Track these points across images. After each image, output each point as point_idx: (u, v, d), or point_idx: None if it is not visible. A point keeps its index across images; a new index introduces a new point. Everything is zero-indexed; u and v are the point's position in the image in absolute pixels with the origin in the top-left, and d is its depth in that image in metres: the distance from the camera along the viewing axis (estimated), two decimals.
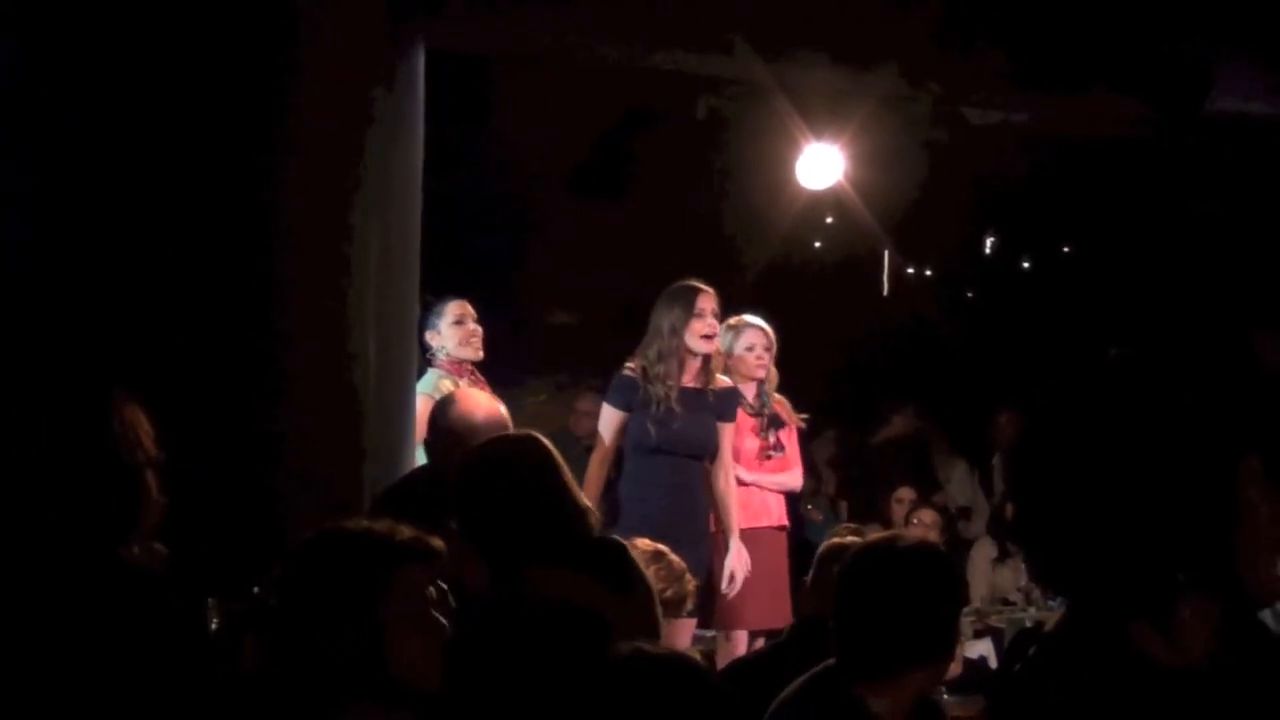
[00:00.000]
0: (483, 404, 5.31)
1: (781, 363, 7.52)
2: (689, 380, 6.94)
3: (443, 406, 5.18)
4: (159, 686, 3.18)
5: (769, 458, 7.32)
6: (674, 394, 6.83)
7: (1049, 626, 2.17)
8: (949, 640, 3.73)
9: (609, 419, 6.94)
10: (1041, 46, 7.21)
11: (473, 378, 7.13)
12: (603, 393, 7.19)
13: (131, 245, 5.81)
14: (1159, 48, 7.25)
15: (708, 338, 6.93)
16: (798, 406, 7.65)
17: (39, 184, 5.84)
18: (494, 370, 7.40)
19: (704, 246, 10.37)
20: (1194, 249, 10.10)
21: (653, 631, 4.15)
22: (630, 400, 6.87)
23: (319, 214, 6.09)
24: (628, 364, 6.99)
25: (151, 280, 5.80)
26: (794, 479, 7.55)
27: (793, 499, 7.82)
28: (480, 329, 7.19)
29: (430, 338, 7.11)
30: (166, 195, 5.85)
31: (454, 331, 7.10)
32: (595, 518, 4.46)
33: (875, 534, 4.39)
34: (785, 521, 7.45)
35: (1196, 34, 7.36)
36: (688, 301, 6.93)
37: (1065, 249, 12.64)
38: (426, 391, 6.75)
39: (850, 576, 3.64)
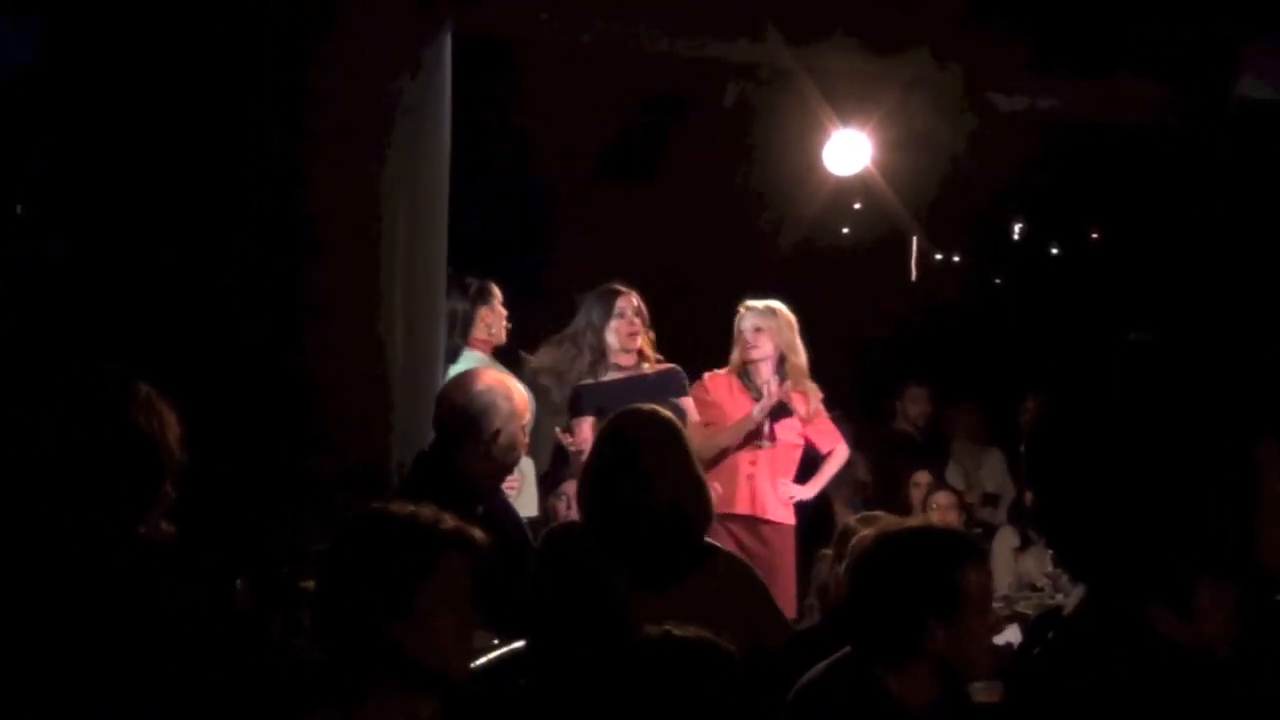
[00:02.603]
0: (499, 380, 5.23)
1: (807, 345, 7.47)
2: (624, 367, 6.98)
3: (464, 387, 5.09)
4: (179, 654, 3.23)
5: (758, 447, 7.26)
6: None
7: (1068, 610, 2.17)
8: None
9: (589, 430, 6.81)
10: (1066, 31, 7.18)
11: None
12: None
13: (159, 230, 5.84)
14: (1184, 32, 7.21)
15: (631, 335, 6.98)
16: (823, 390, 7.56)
17: (68, 169, 5.87)
18: (517, 351, 7.42)
19: (731, 231, 10.39)
20: (1219, 235, 10.04)
21: None
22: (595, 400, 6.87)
23: (347, 198, 6.12)
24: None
25: (180, 265, 5.83)
26: (837, 459, 7.49)
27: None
28: (504, 312, 7.24)
29: (485, 315, 7.17)
30: (194, 180, 5.88)
31: (497, 315, 7.18)
32: None
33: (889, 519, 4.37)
34: (791, 519, 7.36)
35: (1222, 17, 7.31)
36: (608, 303, 7.02)
37: (1094, 235, 12.61)
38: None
39: (861, 563, 3.64)
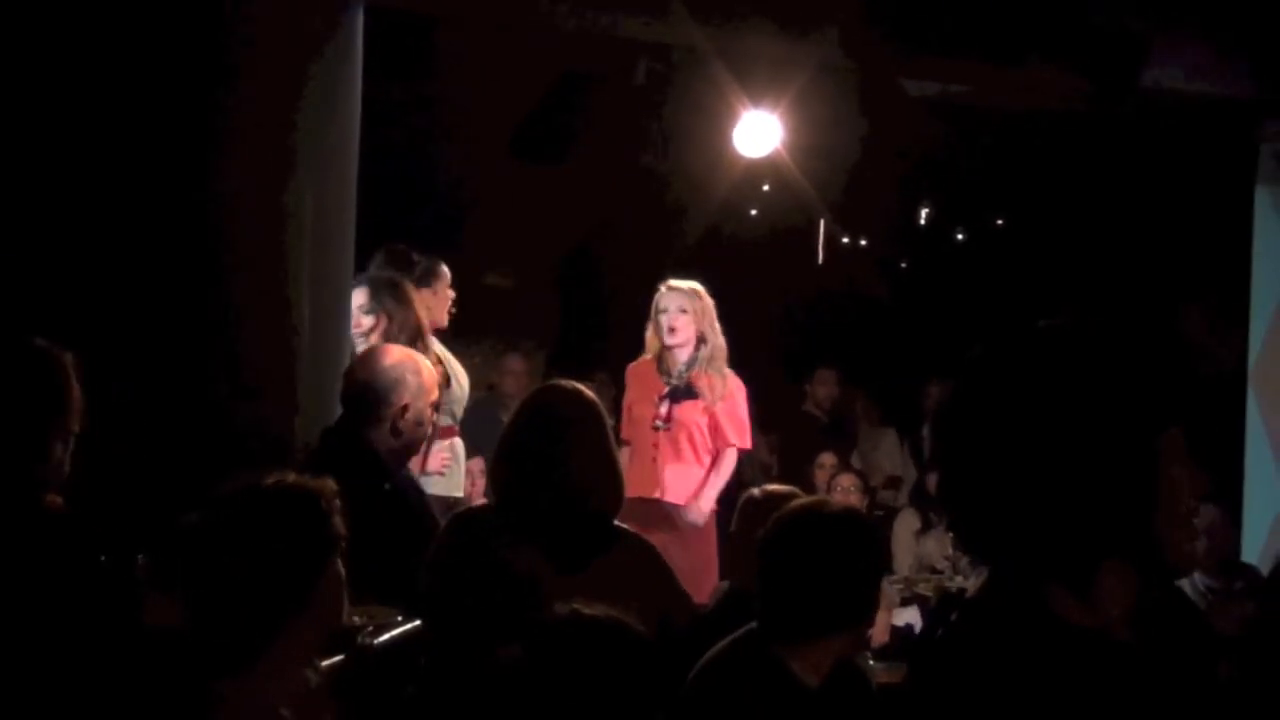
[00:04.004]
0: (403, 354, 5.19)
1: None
2: None
3: (372, 362, 5.04)
4: (74, 627, 3.21)
5: (655, 429, 7.21)
6: None
7: (970, 592, 2.19)
8: (870, 606, 3.76)
9: None
10: (978, 18, 7.22)
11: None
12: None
13: (72, 211, 5.78)
14: (1094, 21, 7.27)
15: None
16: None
17: None
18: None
19: (641, 211, 10.39)
20: (1125, 223, 10.17)
21: None
22: None
23: (258, 173, 6.05)
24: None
25: (91, 245, 5.77)
26: (726, 466, 7.31)
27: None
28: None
29: (425, 296, 7.00)
30: (106, 161, 5.81)
31: (447, 300, 7.10)
32: None
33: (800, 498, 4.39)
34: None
35: (1131, 9, 7.38)
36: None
37: (998, 221, 12.71)
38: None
39: (775, 541, 3.65)
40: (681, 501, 7.17)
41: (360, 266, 6.95)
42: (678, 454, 7.22)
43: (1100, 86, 7.45)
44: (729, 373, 7.34)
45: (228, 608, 2.95)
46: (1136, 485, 2.04)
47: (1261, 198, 8.71)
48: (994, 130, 9.52)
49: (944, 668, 2.13)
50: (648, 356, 7.33)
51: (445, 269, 7.11)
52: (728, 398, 7.30)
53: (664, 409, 7.19)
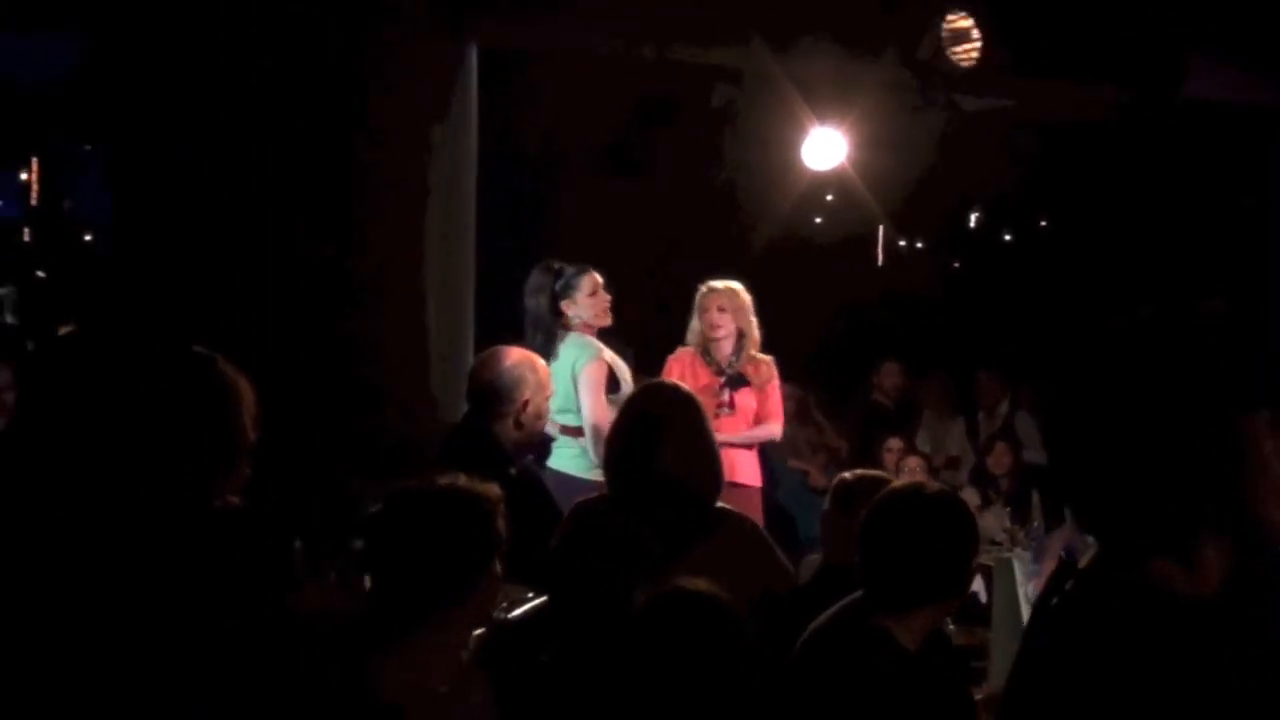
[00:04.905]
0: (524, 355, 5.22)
1: (784, 326, 7.48)
2: None
3: (494, 363, 5.08)
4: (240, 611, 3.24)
5: (719, 415, 7.11)
6: None
7: (1083, 564, 2.19)
8: (964, 579, 3.75)
9: None
10: (1028, 37, 7.19)
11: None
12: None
13: (221, 221, 5.87)
14: (1135, 38, 7.24)
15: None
16: (794, 366, 7.57)
17: (132, 164, 5.90)
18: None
19: (716, 221, 10.40)
20: (1162, 225, 10.10)
21: None
22: None
23: (394, 196, 6.16)
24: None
25: (243, 256, 5.85)
26: (766, 430, 7.36)
27: (768, 460, 7.74)
28: (609, 297, 7.11)
29: (565, 306, 6.91)
30: (256, 179, 5.89)
31: (590, 302, 6.98)
32: None
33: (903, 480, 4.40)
34: (759, 481, 7.34)
35: (1169, 27, 7.34)
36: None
37: (1042, 224, 12.66)
38: (594, 358, 6.77)
39: (879, 519, 3.64)
40: (748, 482, 7.20)
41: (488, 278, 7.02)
42: (738, 434, 7.25)
43: (1141, 98, 7.41)
44: (768, 358, 7.38)
45: (399, 591, 2.99)
46: (1230, 462, 2.04)
47: None
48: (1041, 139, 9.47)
49: (1061, 633, 2.14)
50: (689, 348, 7.36)
51: (584, 278, 7.02)
52: (771, 381, 7.36)
53: (726, 396, 7.22)
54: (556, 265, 6.89)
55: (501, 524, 3.08)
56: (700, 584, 3.33)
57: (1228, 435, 2.05)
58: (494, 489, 3.12)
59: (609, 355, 6.88)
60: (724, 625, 3.22)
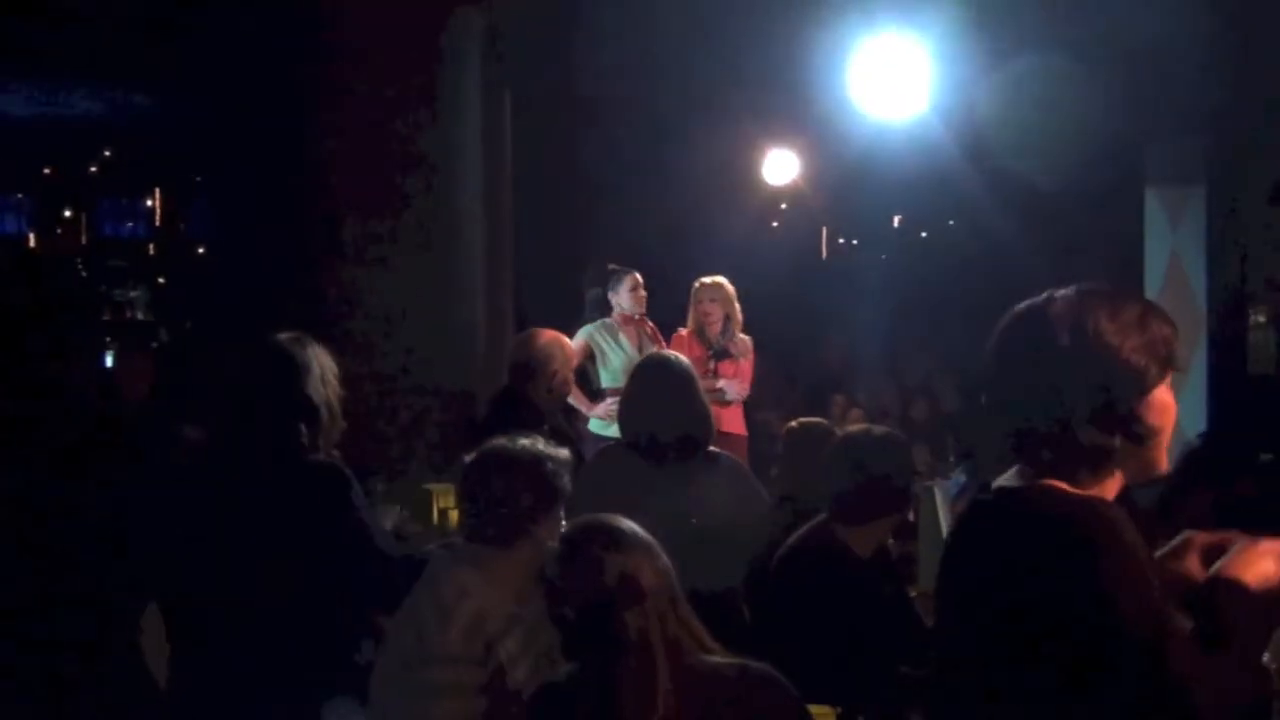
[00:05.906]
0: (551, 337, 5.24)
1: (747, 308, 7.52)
2: None
3: (530, 340, 5.09)
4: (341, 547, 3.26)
5: (704, 379, 7.20)
6: None
7: (996, 483, 2.17)
8: (907, 498, 3.78)
9: None
10: None
11: (640, 325, 7.26)
12: None
13: (307, 234, 5.88)
14: None
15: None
16: (758, 342, 7.59)
17: (231, 194, 5.93)
18: None
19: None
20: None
21: None
22: None
23: (437, 213, 6.19)
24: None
25: (325, 265, 5.88)
26: (735, 388, 7.29)
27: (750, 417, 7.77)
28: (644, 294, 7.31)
29: (611, 297, 7.19)
30: (329, 203, 5.91)
31: (630, 296, 7.16)
32: None
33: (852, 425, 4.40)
34: (743, 431, 7.33)
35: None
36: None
37: (950, 222, 12.64)
38: (583, 335, 6.99)
39: (841, 453, 3.66)
40: (735, 431, 7.24)
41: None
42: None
43: None
44: (747, 339, 7.42)
45: (485, 521, 3.00)
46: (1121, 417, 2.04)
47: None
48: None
49: (975, 537, 2.15)
50: (688, 329, 7.40)
51: (626, 277, 7.22)
52: (748, 355, 7.40)
53: (712, 365, 7.26)
54: (606, 264, 7.07)
55: (566, 480, 3.08)
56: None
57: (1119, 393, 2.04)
58: (564, 452, 3.14)
59: (603, 339, 7.09)
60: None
